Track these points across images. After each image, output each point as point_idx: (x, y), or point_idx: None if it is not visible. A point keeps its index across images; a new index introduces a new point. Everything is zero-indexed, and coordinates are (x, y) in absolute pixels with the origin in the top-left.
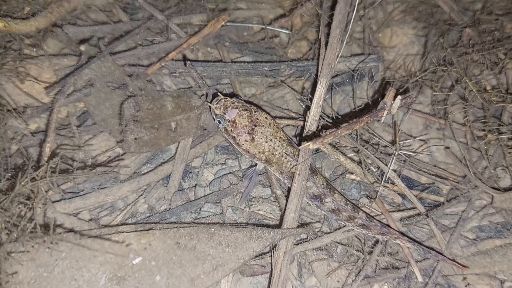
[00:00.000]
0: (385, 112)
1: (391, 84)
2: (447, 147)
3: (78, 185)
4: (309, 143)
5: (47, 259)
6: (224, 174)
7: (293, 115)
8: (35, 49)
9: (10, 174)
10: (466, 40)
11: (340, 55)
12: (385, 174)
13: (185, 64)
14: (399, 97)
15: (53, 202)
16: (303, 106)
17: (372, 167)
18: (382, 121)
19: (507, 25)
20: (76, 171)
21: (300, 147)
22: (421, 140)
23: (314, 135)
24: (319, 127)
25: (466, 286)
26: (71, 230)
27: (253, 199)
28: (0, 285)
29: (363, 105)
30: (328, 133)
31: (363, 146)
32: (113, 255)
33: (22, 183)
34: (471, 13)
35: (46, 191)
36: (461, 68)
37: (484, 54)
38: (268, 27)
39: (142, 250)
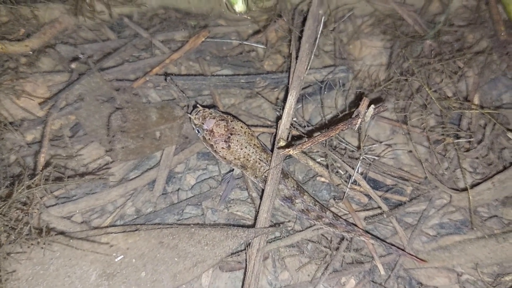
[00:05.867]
0: (359, 120)
1: (365, 94)
2: (410, 151)
3: (71, 191)
4: (289, 149)
5: (43, 258)
6: (205, 179)
7: (270, 123)
8: (30, 67)
9: (9, 182)
10: (427, 51)
11: (309, 67)
12: (351, 177)
13: (165, 79)
14: (372, 106)
15: (48, 206)
16: (279, 115)
17: (340, 170)
18: (356, 129)
19: (468, 35)
20: (68, 179)
21: (281, 153)
22: (386, 144)
23: (288, 143)
24: (290, 135)
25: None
26: (63, 232)
27: (231, 201)
28: (0, 282)
29: (331, 114)
30: (306, 140)
31: (331, 151)
32: (102, 254)
33: (19, 190)
34: (433, 25)
35: (40, 198)
36: (422, 77)
37: (443, 64)
38: (244, 43)
39: (129, 249)
